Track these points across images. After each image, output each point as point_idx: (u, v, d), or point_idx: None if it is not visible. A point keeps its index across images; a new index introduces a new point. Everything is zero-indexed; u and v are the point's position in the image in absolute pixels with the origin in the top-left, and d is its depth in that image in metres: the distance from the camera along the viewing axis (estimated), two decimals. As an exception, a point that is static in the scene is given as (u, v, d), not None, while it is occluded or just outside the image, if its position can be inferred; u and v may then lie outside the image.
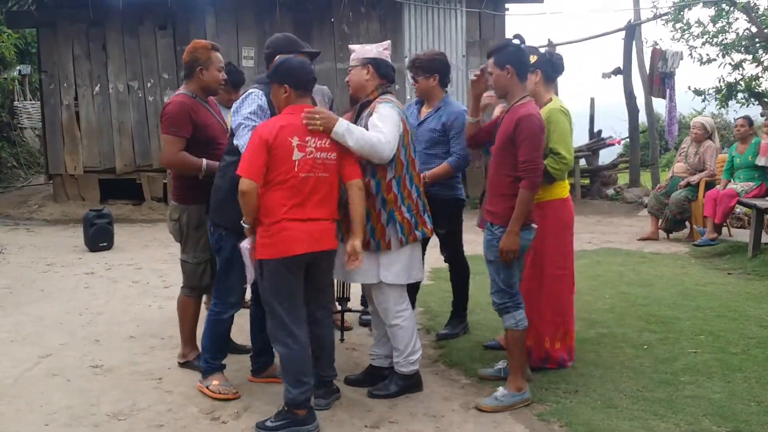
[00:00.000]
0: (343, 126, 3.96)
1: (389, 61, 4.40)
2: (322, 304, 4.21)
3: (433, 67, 5.21)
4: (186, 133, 4.49)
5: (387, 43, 4.46)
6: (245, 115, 4.13)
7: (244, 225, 3.95)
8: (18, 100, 18.91)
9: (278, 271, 3.86)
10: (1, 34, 15.76)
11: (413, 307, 5.19)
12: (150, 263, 8.07)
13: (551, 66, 4.72)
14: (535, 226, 4.20)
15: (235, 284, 4.39)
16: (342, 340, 5.33)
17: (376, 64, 4.31)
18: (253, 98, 4.19)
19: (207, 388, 4.43)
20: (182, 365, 4.91)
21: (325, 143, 3.92)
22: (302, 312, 4.01)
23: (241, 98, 4.24)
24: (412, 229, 4.26)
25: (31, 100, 19.40)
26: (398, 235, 4.21)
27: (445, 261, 5.57)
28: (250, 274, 4.06)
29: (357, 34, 12.32)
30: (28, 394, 4.48)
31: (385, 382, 4.46)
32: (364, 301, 5.47)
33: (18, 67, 18.64)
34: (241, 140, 4.08)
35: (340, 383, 4.48)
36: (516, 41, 4.21)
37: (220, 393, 4.39)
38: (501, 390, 4.19)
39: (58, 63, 12.27)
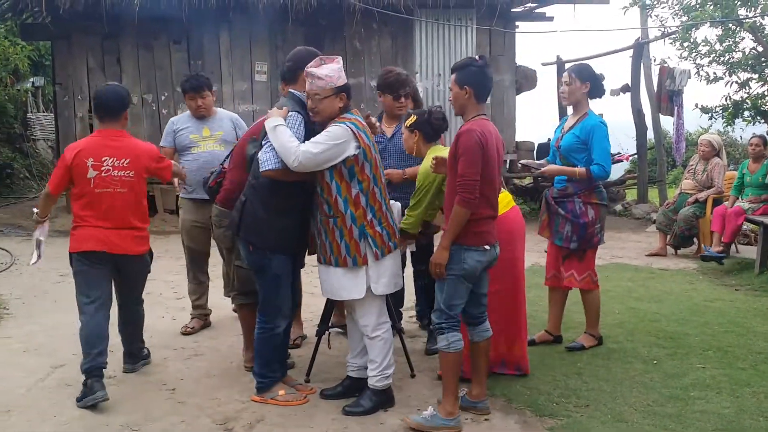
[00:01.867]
0: (270, 124, 4.18)
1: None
2: (135, 297, 5.07)
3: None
4: None
5: (339, 59, 4.31)
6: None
7: (35, 217, 4.89)
8: (31, 112, 19.01)
9: (78, 261, 4.67)
10: (15, 45, 15.90)
11: (401, 315, 5.28)
12: (162, 274, 8.09)
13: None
14: (488, 247, 4.13)
15: (285, 298, 4.48)
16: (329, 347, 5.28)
17: (346, 90, 4.26)
18: (290, 123, 4.25)
19: (274, 399, 4.47)
20: (250, 369, 4.90)
21: (123, 163, 4.59)
22: (96, 296, 4.70)
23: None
24: (386, 241, 4.27)
25: (44, 112, 19.50)
26: (373, 249, 4.23)
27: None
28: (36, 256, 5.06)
29: (369, 50, 12.41)
30: (41, 404, 4.51)
31: (357, 398, 4.44)
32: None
33: (31, 79, 18.72)
34: (263, 156, 4.20)
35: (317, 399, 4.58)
36: (480, 62, 4.16)
37: (291, 401, 4.46)
38: (430, 410, 4.13)
39: (72, 75, 12.33)
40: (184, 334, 5.93)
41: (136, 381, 4.91)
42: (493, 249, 4.18)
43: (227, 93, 12.41)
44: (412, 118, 4.78)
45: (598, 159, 5.15)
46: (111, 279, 4.80)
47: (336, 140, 4.11)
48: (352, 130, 4.15)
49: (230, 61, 12.41)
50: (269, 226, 4.32)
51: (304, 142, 4.16)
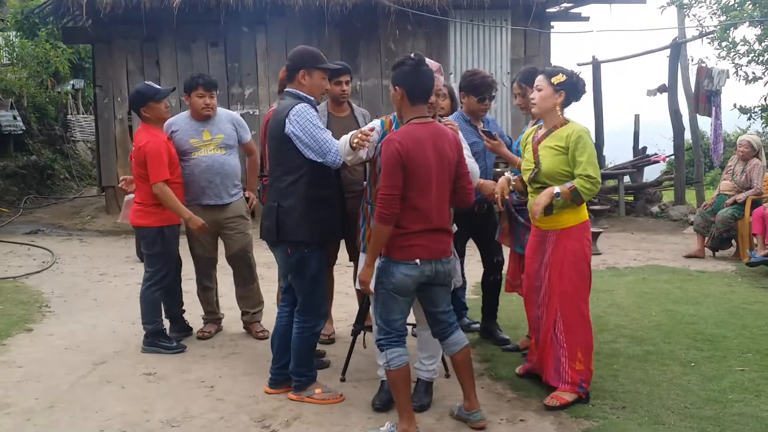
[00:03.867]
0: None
1: None
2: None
3: None
4: None
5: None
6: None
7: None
8: (71, 114, 19.33)
9: None
10: (56, 49, 16.17)
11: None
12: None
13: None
14: (418, 262, 3.85)
15: (324, 298, 4.55)
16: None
17: None
18: (310, 120, 4.30)
19: (311, 397, 4.51)
20: None
21: (132, 151, 5.59)
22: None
23: (292, 115, 4.29)
24: None
25: (83, 114, 19.83)
26: None
27: None
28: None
29: (403, 51, 12.41)
30: (83, 400, 4.59)
31: (420, 397, 4.41)
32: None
33: (72, 82, 19.03)
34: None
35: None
36: (413, 59, 3.90)
37: (327, 399, 4.51)
38: (387, 426, 3.99)
39: (112, 78, 12.54)
40: (200, 338, 5.91)
41: (176, 378, 4.98)
42: (432, 263, 3.91)
43: (263, 95, 12.53)
44: (561, 77, 4.34)
45: None
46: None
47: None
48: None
49: (266, 63, 12.53)
50: (308, 218, 4.32)
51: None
